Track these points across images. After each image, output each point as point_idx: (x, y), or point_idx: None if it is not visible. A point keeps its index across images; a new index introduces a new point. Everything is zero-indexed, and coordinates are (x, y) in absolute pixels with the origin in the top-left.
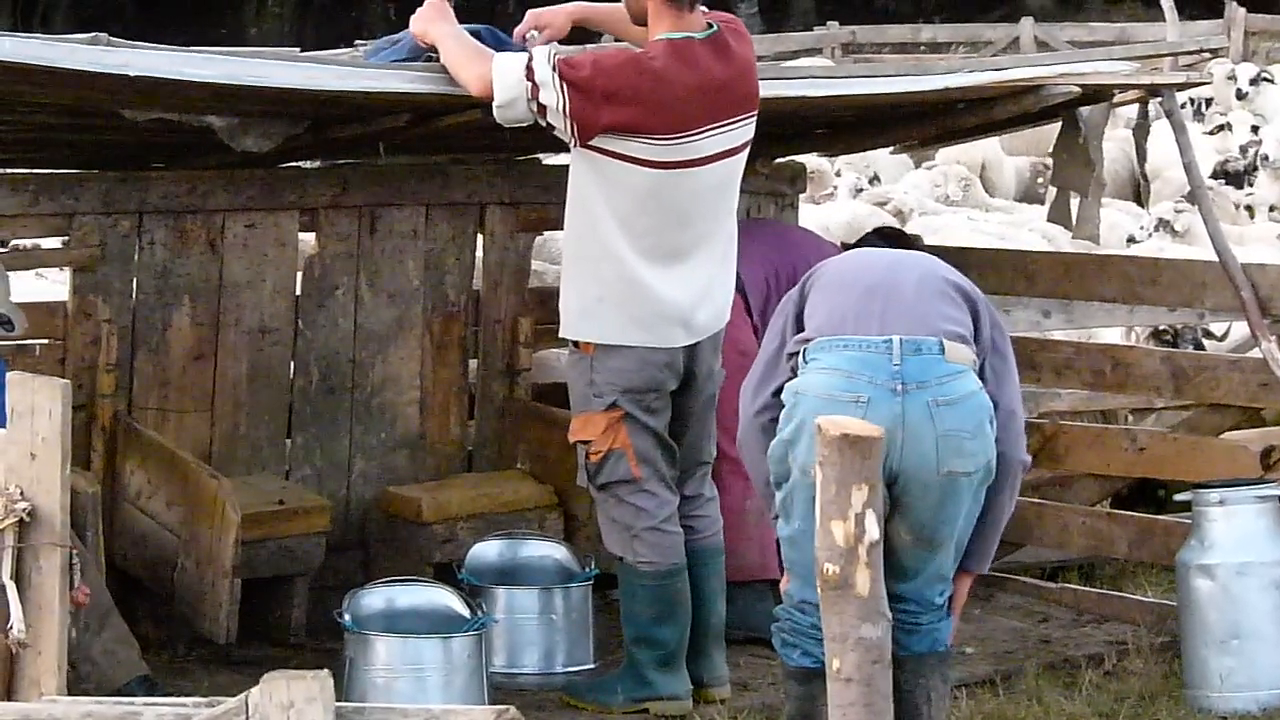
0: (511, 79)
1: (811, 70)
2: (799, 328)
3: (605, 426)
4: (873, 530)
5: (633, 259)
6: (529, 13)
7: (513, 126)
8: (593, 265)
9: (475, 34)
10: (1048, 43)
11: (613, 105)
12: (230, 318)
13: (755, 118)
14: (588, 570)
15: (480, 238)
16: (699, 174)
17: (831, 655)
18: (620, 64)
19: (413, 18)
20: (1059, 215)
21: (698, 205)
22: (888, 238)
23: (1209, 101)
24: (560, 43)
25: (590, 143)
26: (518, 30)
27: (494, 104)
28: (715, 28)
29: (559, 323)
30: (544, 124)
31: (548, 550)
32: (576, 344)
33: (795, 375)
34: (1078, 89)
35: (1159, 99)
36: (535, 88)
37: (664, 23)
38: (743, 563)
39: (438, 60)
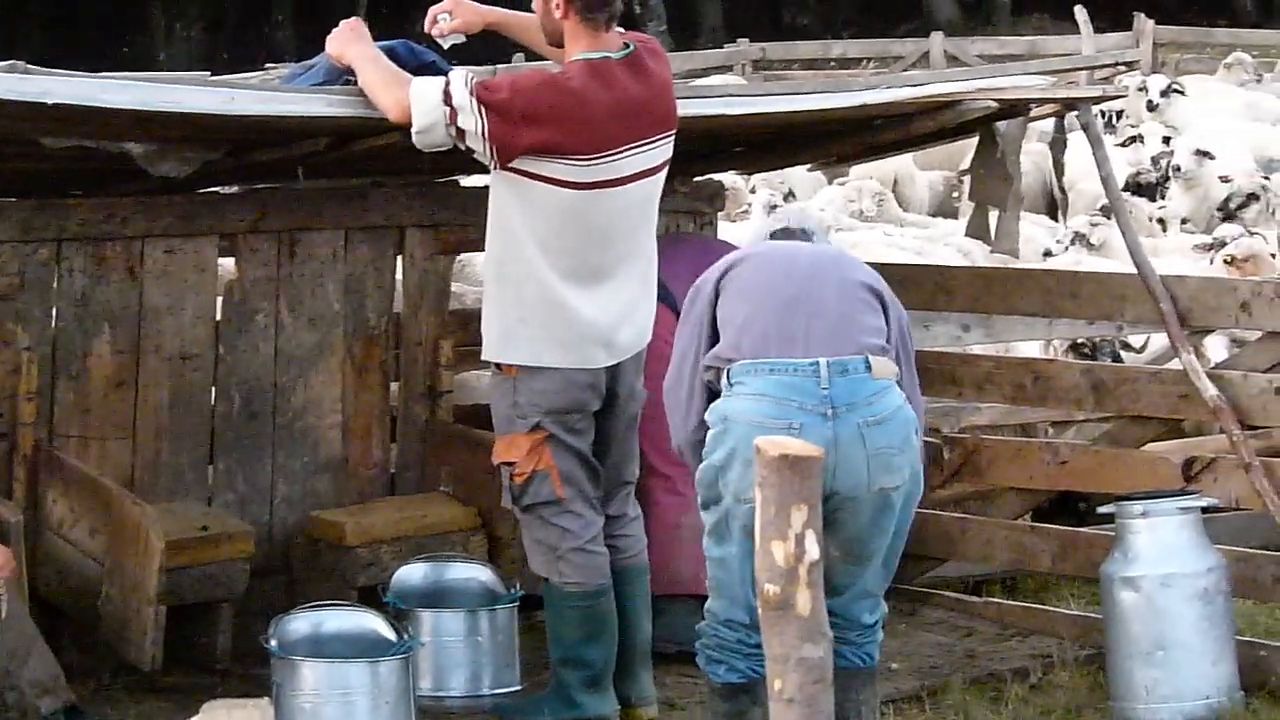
0: (429, 104)
1: (729, 89)
2: (713, 331)
3: (529, 448)
4: (813, 550)
5: (554, 280)
6: None
7: (431, 150)
8: (514, 287)
9: (391, 51)
10: (958, 57)
11: (531, 126)
12: (151, 344)
13: (673, 137)
14: (513, 592)
15: (400, 260)
16: (618, 194)
17: (773, 676)
18: (538, 85)
19: (329, 39)
20: (977, 229)
21: (618, 225)
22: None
23: (1120, 114)
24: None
25: (510, 165)
26: (433, 9)
27: (412, 130)
28: (632, 47)
29: (480, 344)
30: (463, 148)
31: (473, 572)
32: (499, 366)
33: (717, 389)
34: (995, 104)
35: (1075, 113)
36: (453, 112)
37: (580, 43)
38: (676, 577)
39: (355, 83)
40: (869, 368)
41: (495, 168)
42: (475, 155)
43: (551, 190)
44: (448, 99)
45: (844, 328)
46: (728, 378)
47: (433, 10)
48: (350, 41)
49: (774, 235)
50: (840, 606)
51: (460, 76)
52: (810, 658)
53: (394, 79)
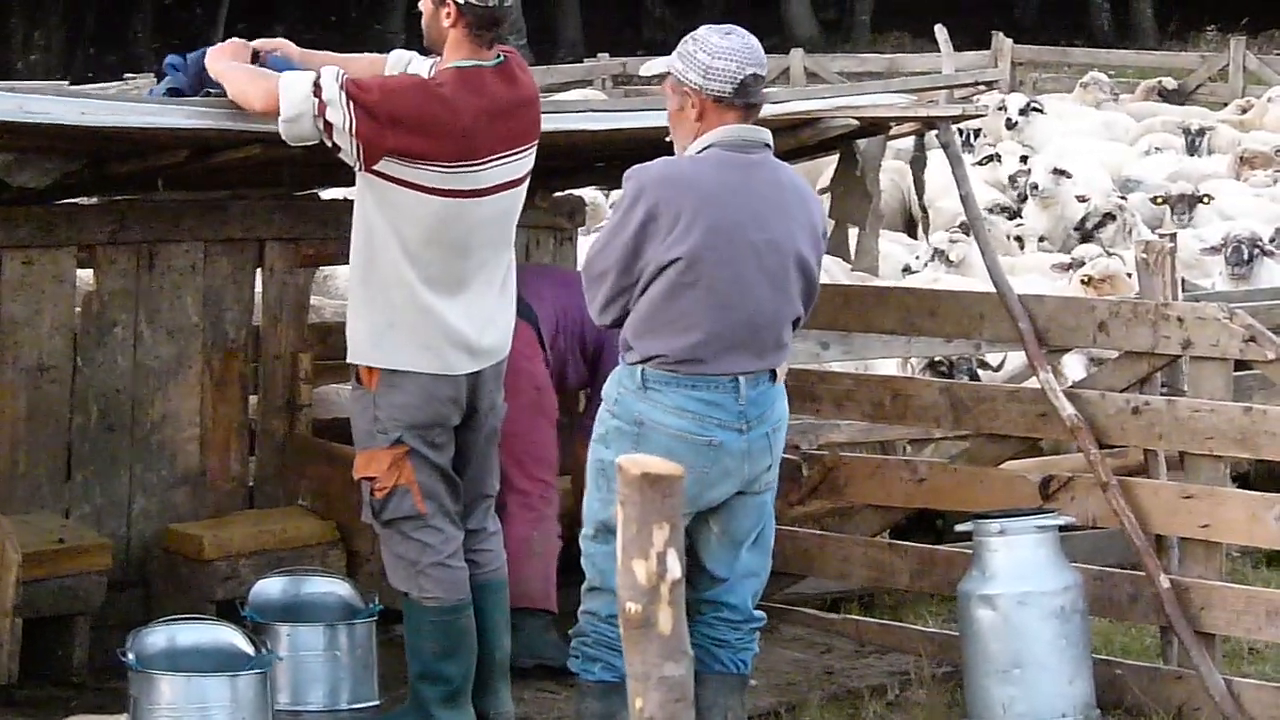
0: (298, 95)
1: (589, 103)
2: (637, 253)
3: (390, 463)
4: (674, 569)
5: (419, 286)
6: (279, 39)
7: (298, 145)
8: (382, 291)
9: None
10: (818, 74)
11: (398, 130)
12: (8, 356)
13: (535, 149)
14: (371, 606)
15: (259, 273)
16: (482, 204)
17: (634, 694)
18: (408, 88)
19: (210, 50)
20: (837, 247)
21: (479, 235)
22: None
23: (978, 133)
24: None
25: (375, 168)
26: (260, 44)
27: (280, 119)
28: (503, 58)
29: (339, 358)
30: (330, 143)
31: (331, 586)
32: (359, 380)
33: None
34: (855, 121)
35: (935, 131)
36: (322, 104)
37: (460, 51)
38: (527, 589)
39: (217, 95)
40: (774, 377)
41: (360, 168)
42: (341, 154)
43: (415, 196)
44: (317, 91)
45: (777, 334)
46: (644, 379)
47: (259, 44)
48: (227, 51)
49: (735, 146)
50: (727, 592)
51: (332, 72)
52: (671, 676)
53: (261, 74)
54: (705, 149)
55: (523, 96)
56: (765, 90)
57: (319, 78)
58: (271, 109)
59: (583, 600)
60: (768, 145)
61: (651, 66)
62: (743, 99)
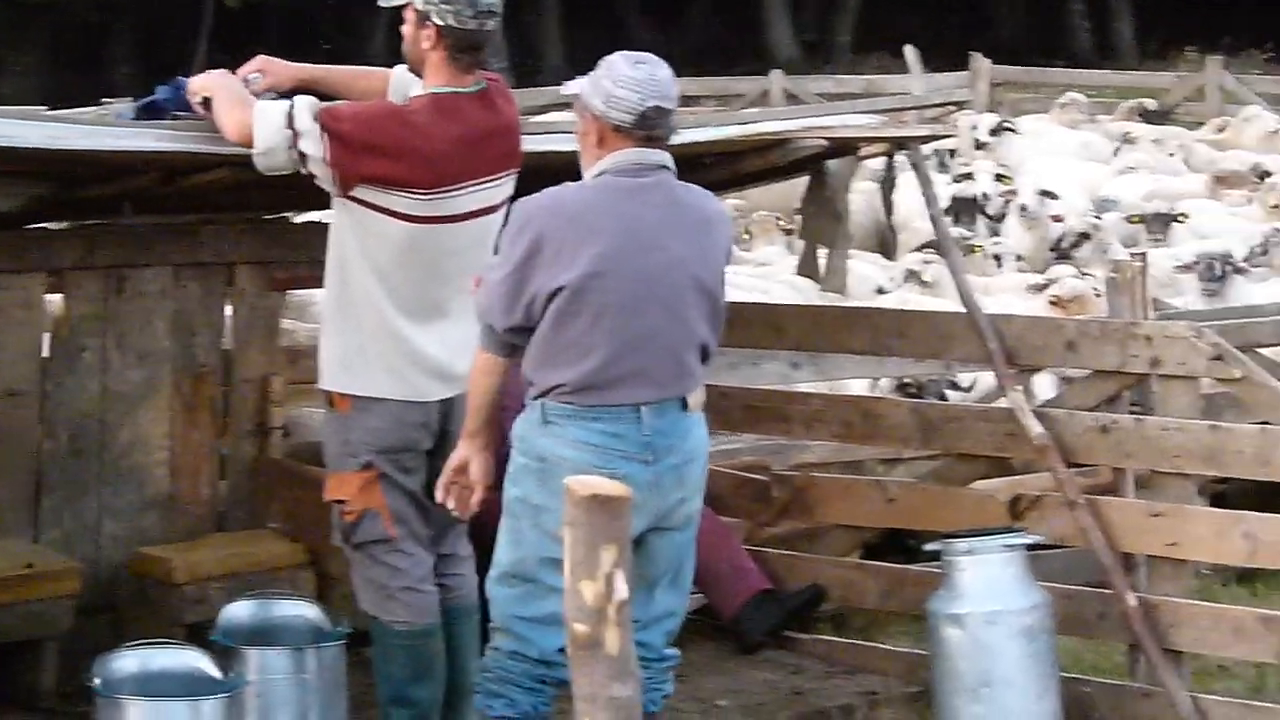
0: (272, 127)
1: (563, 124)
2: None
3: (360, 486)
4: (621, 590)
5: (392, 312)
6: (259, 58)
7: (272, 173)
8: (355, 316)
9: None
10: (797, 95)
11: (373, 157)
12: None
13: (515, 175)
14: (340, 629)
15: (229, 297)
16: (456, 230)
17: (581, 715)
18: (381, 116)
19: (193, 80)
20: (807, 268)
21: (453, 261)
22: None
23: (953, 152)
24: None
25: (351, 194)
26: (242, 70)
27: (254, 151)
28: (484, 84)
29: (310, 381)
30: (305, 172)
31: (300, 610)
32: (332, 402)
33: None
34: (825, 142)
35: (905, 151)
36: (296, 135)
37: (440, 77)
38: None
39: (185, 118)
40: (684, 406)
41: (337, 194)
42: (317, 181)
43: (389, 222)
44: (291, 122)
45: (678, 360)
46: (544, 414)
47: (241, 71)
48: (213, 77)
49: (626, 171)
50: (640, 630)
51: (305, 102)
52: (619, 697)
53: (239, 101)
54: (598, 175)
55: (501, 124)
56: (736, 111)
57: (292, 109)
58: (245, 141)
59: (490, 637)
60: (664, 167)
61: (569, 87)
62: (642, 130)
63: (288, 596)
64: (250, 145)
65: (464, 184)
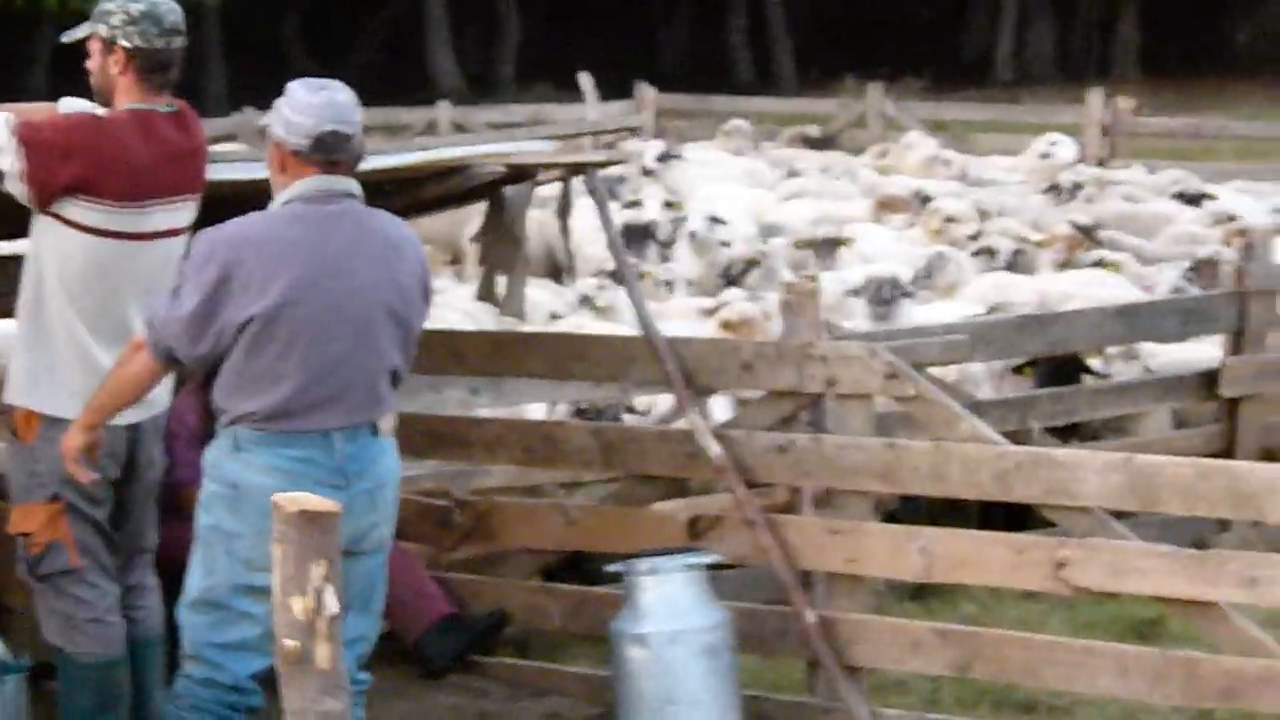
0: None
1: (237, 154)
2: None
3: (46, 518)
4: (331, 604)
5: (81, 331)
6: None
7: None
8: (46, 334)
9: None
10: (464, 125)
11: (68, 162)
12: None
13: (198, 202)
14: (22, 662)
15: None
16: (144, 248)
17: None
18: (79, 122)
19: None
20: (486, 293)
21: (140, 281)
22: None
23: (621, 180)
24: None
25: (50, 209)
26: None
27: None
28: (176, 107)
29: None
30: (4, 189)
31: None
32: (17, 433)
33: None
34: (504, 168)
35: (582, 177)
36: None
37: (133, 95)
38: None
39: None
40: (375, 431)
41: (35, 209)
42: (17, 196)
43: (82, 238)
44: None
45: (369, 386)
46: (236, 442)
47: None
48: None
49: (312, 199)
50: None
51: (3, 119)
52: (331, 711)
53: None
54: (286, 203)
55: (192, 146)
56: (413, 139)
57: None
58: None
59: (181, 665)
60: (351, 195)
61: (266, 118)
62: (321, 154)
63: None
64: None
65: (155, 200)
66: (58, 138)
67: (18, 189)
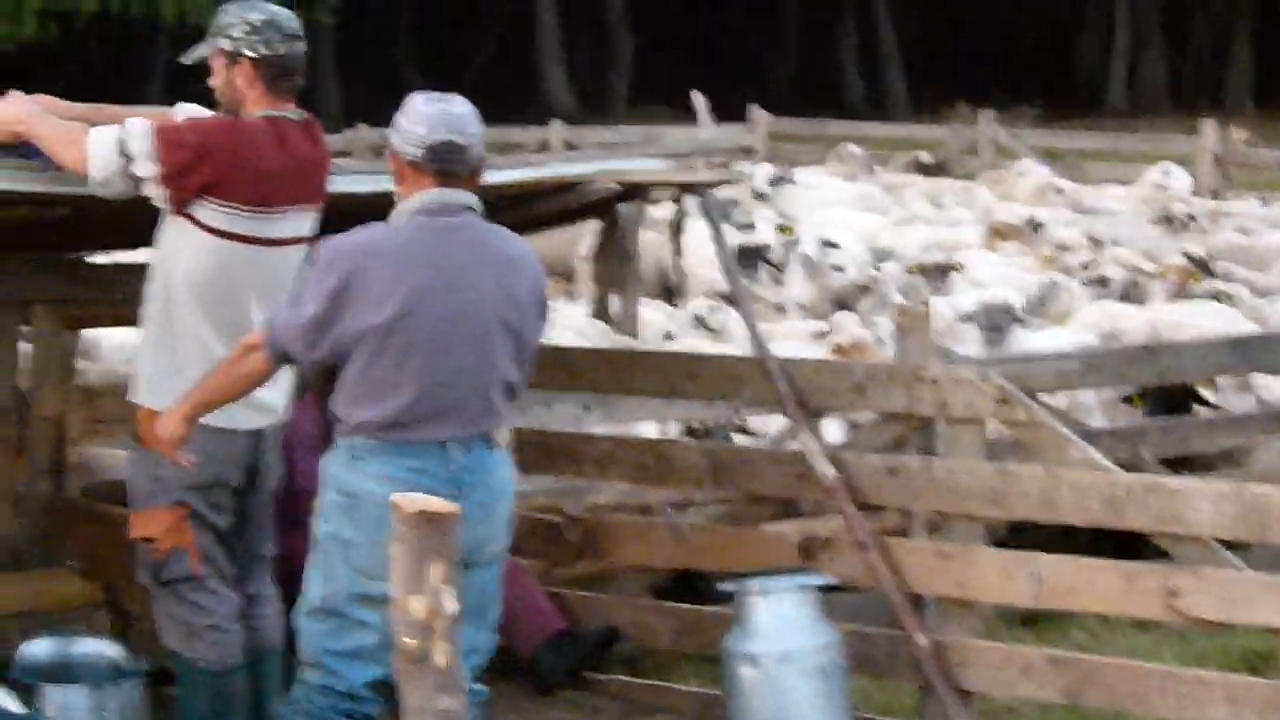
0: (105, 155)
1: (352, 166)
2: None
3: (170, 523)
4: (449, 604)
5: (208, 334)
6: (40, 96)
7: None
8: (172, 336)
9: None
10: (576, 145)
11: (204, 163)
12: None
13: (320, 211)
14: (140, 667)
15: (25, 335)
16: (271, 254)
17: None
18: (216, 124)
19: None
20: (599, 312)
21: (269, 286)
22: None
23: (735, 203)
24: None
25: (184, 211)
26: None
27: (91, 181)
28: (306, 115)
29: (106, 419)
30: (142, 194)
31: (100, 648)
32: (138, 435)
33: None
34: (617, 186)
35: (697, 196)
36: (128, 161)
37: (262, 104)
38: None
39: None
40: (489, 444)
41: (171, 211)
42: (154, 200)
43: (209, 240)
44: (123, 148)
45: (484, 398)
46: (353, 450)
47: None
48: (18, 106)
49: (431, 211)
50: None
51: (139, 125)
52: (448, 709)
53: (68, 134)
54: (406, 215)
55: (320, 156)
56: (527, 155)
57: (123, 135)
58: (80, 171)
59: (297, 672)
60: (471, 208)
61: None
62: (435, 164)
63: (88, 634)
64: (84, 174)
65: (286, 207)
66: (194, 137)
67: (155, 192)
